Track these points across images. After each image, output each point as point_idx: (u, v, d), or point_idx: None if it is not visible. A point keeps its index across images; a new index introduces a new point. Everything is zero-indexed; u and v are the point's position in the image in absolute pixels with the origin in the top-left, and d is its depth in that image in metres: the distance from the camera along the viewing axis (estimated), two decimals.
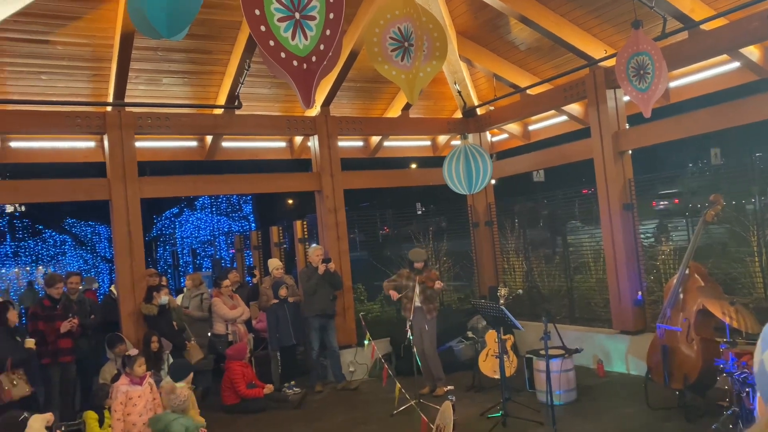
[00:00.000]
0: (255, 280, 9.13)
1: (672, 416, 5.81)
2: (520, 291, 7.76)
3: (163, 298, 7.34)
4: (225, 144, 8.95)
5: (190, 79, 8.04)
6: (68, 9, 6.73)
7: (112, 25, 7.00)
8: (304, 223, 10.02)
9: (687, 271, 5.82)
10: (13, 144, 7.99)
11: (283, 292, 8.17)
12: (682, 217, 8.18)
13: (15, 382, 6.28)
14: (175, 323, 7.59)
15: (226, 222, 23.37)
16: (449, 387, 5.26)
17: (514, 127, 10.12)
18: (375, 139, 10.09)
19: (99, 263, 23.66)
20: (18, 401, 6.07)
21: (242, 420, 7.10)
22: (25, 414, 3.44)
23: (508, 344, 7.79)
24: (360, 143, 10.20)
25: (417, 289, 7.44)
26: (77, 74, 7.46)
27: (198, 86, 8.19)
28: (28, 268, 22.87)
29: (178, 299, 8.77)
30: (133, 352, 6.39)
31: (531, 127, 10.19)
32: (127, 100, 7.59)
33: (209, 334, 8.25)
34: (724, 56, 6.93)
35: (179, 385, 5.79)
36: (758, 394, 0.90)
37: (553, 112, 9.22)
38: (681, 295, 5.83)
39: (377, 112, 9.93)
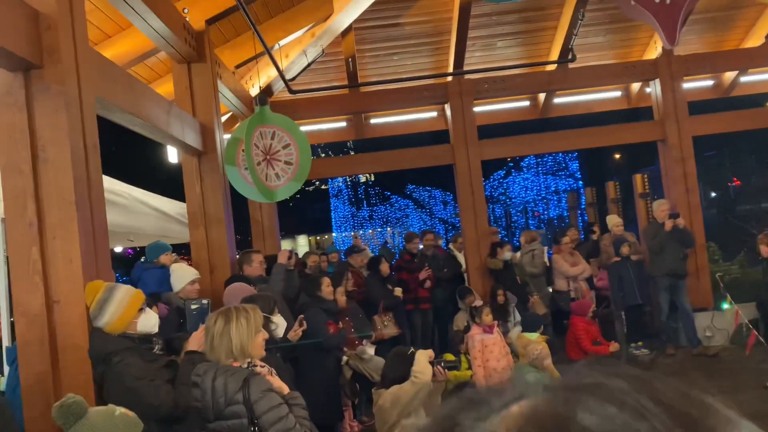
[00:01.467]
0: (595, 236, 8.89)
1: None
2: None
3: (507, 253, 7.68)
4: (557, 100, 8.86)
5: (523, 38, 8.13)
6: None
7: None
8: (645, 176, 9.34)
9: None
10: (372, 120, 9.23)
11: (625, 249, 7.80)
12: None
13: (386, 323, 7.35)
14: (518, 278, 7.90)
15: (553, 180, 23.30)
16: None
17: None
18: (728, 77, 8.80)
19: (436, 223, 25.96)
20: (389, 340, 7.09)
21: None
22: (412, 348, 3.98)
23: None
24: (709, 82, 9.03)
25: None
26: (422, 50, 8.19)
27: (530, 45, 8.24)
28: (380, 229, 26.40)
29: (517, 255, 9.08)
30: (479, 303, 6.89)
31: None
32: (465, 68, 8.05)
33: (550, 290, 8.37)
34: None
35: (532, 336, 6.03)
36: None
37: None
38: None
39: (732, 44, 8.62)
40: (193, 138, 5.16)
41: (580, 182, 22.80)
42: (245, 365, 2.66)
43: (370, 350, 5.45)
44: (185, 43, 5.09)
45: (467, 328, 7.10)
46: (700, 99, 9.04)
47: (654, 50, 8.20)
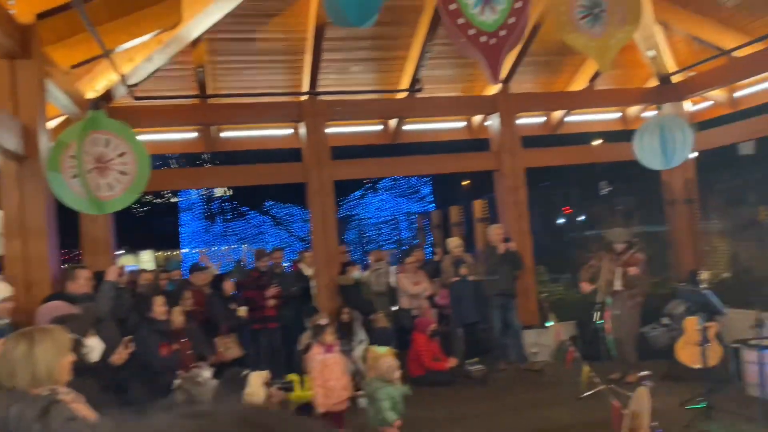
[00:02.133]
0: (436, 258, 9.34)
1: None
2: (726, 275, 7.02)
3: (356, 272, 7.82)
4: (406, 127, 9.23)
5: (376, 65, 8.40)
6: (269, 6, 7.36)
7: (306, 19, 7.53)
8: (484, 202, 10.00)
9: None
10: (223, 134, 9.01)
11: (464, 270, 8.27)
12: None
13: (228, 345, 7.12)
14: (365, 296, 8.06)
15: (405, 203, 24.20)
16: (645, 372, 4.96)
17: (717, 94, 9.12)
18: (557, 115, 9.73)
19: (294, 241, 25.80)
20: (230, 363, 6.88)
21: (428, 392, 7.34)
22: (246, 371, 3.91)
23: (712, 332, 7.10)
24: (541, 119, 9.91)
25: (618, 273, 7.09)
26: (277, 67, 8.17)
27: (383, 72, 8.53)
28: (235, 246, 25.68)
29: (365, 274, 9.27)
30: (323, 321, 6.92)
31: (737, 94, 9.09)
32: (319, 89, 8.15)
33: (394, 308, 8.62)
34: None
35: (382, 351, 6.16)
36: None
37: (765, 75, 8.13)
38: None
39: (560, 86, 9.55)
40: (12, 141, 4.70)
41: (432, 205, 23.92)
42: (46, 392, 2.44)
43: (207, 373, 5.24)
44: (8, 36, 4.65)
45: (307, 348, 7.08)
46: (533, 134, 9.88)
47: (494, 87, 8.85)
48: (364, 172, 9.28)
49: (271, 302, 7.49)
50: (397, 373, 5.03)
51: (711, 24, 8.14)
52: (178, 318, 5.50)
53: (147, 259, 24.16)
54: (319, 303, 7.97)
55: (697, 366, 6.54)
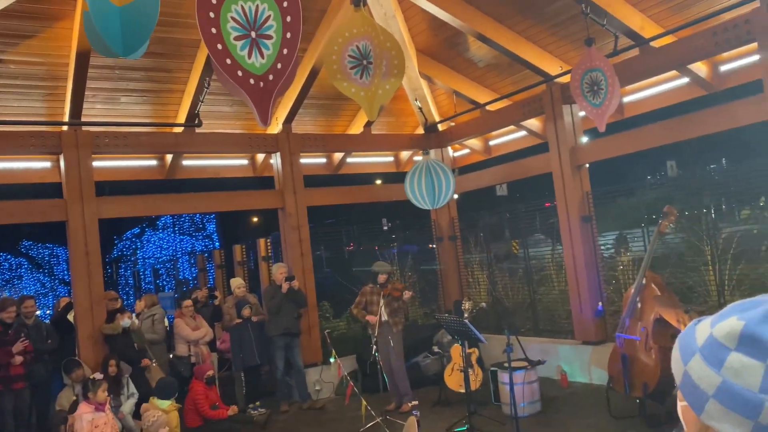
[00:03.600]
0: (217, 301, 9.00)
1: (634, 425, 5.91)
2: (484, 304, 7.82)
3: (126, 320, 7.18)
4: (186, 162, 8.85)
5: (149, 97, 7.96)
6: (22, 28, 6.61)
7: (68, 43, 6.90)
8: (268, 241, 9.94)
9: (644, 281, 5.97)
10: None
11: (246, 311, 8.08)
12: (638, 227, 8.41)
13: None
14: (136, 345, 7.42)
15: (189, 241, 23.01)
16: (414, 402, 5.25)
17: (474, 143, 10.27)
18: (338, 156, 10.12)
19: (57, 286, 23.03)
20: None
21: None
22: None
23: (473, 358, 7.83)
24: (323, 160, 10.21)
25: (382, 303, 7.44)
26: (32, 93, 7.31)
27: (157, 104, 8.11)
28: None
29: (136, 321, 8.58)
30: (98, 376, 6.23)
31: (492, 142, 10.35)
32: (84, 119, 7.46)
33: (171, 356, 8.08)
34: (674, 72, 7.18)
35: (165, 403, 5.71)
36: (682, 403, 0.94)
37: (512, 127, 9.39)
38: (639, 305, 5.97)
39: (340, 129, 9.97)
40: None
41: (217, 243, 23.08)
42: None
43: None
44: None
45: (74, 407, 6.31)
46: (315, 173, 10.14)
47: (276, 126, 8.93)
48: (135, 209, 8.61)
49: (18, 359, 6.51)
50: (164, 429, 4.69)
51: (467, 81, 9.19)
52: None
53: None
54: (82, 356, 7.14)
55: (462, 390, 7.13)
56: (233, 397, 8.04)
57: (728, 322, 0.86)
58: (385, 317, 7.46)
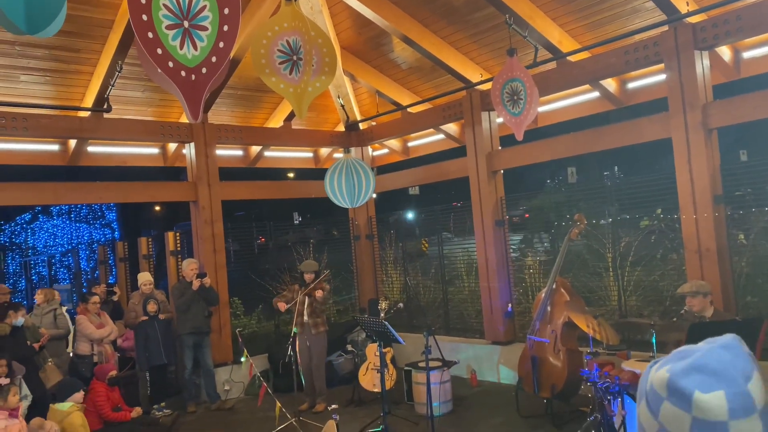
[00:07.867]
0: (116, 297, 8.49)
1: (541, 423, 6.17)
2: (401, 304, 7.89)
3: (20, 318, 6.64)
4: (91, 149, 8.30)
5: (53, 77, 7.38)
6: None
7: None
8: (177, 234, 9.52)
9: (554, 286, 6.24)
10: None
11: (152, 307, 7.71)
12: (545, 231, 8.80)
13: None
14: (29, 343, 6.88)
15: (86, 229, 21.60)
16: (333, 405, 5.21)
17: (394, 143, 10.34)
18: (255, 149, 9.86)
19: None
20: None
21: None
22: None
23: (388, 357, 7.88)
24: (239, 152, 9.92)
25: (306, 302, 7.32)
26: None
27: (62, 86, 7.54)
28: None
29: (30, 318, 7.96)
30: (4, 381, 5.74)
31: (410, 144, 10.46)
32: None
33: (71, 354, 7.57)
34: (587, 86, 7.54)
35: (66, 405, 5.34)
36: None
37: (431, 130, 9.53)
38: (549, 309, 6.23)
39: (258, 122, 9.71)
40: None
41: (117, 233, 21.82)
42: None
43: None
44: None
45: None
46: (231, 166, 9.82)
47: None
48: (33, 197, 7.94)
49: None
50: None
51: (390, 82, 9.22)
52: None
53: None
54: None
55: (376, 390, 7.16)
56: (137, 399, 7.66)
57: (662, 371, 0.91)
58: (306, 317, 7.34)
